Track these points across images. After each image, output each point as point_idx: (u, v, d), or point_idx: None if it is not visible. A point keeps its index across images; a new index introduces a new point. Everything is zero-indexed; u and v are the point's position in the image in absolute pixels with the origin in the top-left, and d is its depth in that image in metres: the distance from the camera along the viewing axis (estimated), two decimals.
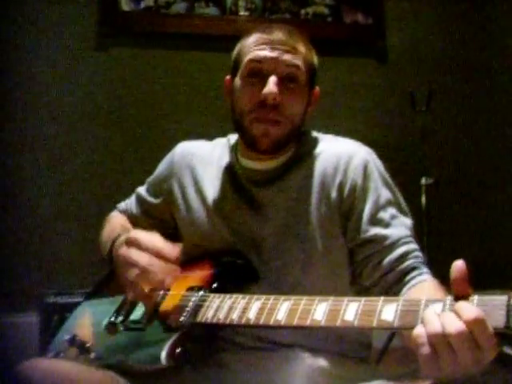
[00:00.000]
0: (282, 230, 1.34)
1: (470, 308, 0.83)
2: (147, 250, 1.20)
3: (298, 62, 1.35)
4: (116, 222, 1.58)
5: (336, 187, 1.33)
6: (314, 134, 1.47)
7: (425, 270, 1.26)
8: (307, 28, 3.14)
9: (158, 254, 1.19)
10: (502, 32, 3.42)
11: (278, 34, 1.36)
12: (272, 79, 1.31)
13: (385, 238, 1.27)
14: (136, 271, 1.19)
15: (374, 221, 1.29)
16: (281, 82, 1.32)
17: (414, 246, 1.28)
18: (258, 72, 1.34)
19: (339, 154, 1.36)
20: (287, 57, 1.34)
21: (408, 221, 1.33)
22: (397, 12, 3.38)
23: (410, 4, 3.41)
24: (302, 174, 1.37)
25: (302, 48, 1.37)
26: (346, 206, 1.32)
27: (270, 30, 1.37)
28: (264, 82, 1.32)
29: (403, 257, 1.25)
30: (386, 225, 1.29)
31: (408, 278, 1.24)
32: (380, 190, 1.32)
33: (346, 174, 1.33)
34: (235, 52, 1.43)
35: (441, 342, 0.83)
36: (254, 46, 1.36)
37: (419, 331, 0.86)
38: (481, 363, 0.84)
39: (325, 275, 1.33)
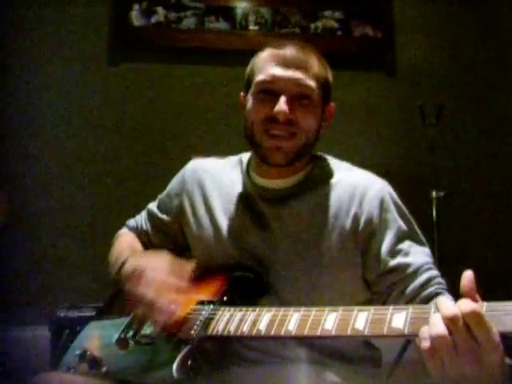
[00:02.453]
0: (291, 257, 1.33)
1: (468, 303, 0.84)
2: (153, 284, 1.21)
3: (310, 81, 1.33)
4: (124, 241, 1.57)
5: (351, 218, 1.31)
6: (329, 160, 1.45)
7: (448, 296, 1.25)
8: (317, 42, 3.17)
9: (166, 287, 1.20)
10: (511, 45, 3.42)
11: (290, 50, 1.34)
12: (282, 99, 1.30)
13: (407, 265, 1.27)
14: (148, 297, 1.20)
15: (394, 252, 1.28)
16: (292, 100, 1.31)
17: (436, 272, 1.28)
18: (269, 90, 1.33)
19: (355, 184, 1.35)
20: (299, 75, 1.32)
21: (426, 249, 1.32)
22: (406, 25, 3.39)
23: (419, 17, 3.43)
24: (314, 200, 1.36)
25: (314, 64, 1.36)
26: (362, 239, 1.30)
27: (283, 45, 1.36)
28: (275, 100, 1.31)
29: (427, 283, 1.25)
30: (406, 254, 1.28)
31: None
32: (398, 222, 1.32)
33: (361, 205, 1.32)
34: (248, 68, 1.42)
35: (438, 335, 0.84)
36: (266, 63, 1.35)
37: (423, 328, 0.87)
38: (483, 366, 0.84)
39: (331, 304, 1.32)
